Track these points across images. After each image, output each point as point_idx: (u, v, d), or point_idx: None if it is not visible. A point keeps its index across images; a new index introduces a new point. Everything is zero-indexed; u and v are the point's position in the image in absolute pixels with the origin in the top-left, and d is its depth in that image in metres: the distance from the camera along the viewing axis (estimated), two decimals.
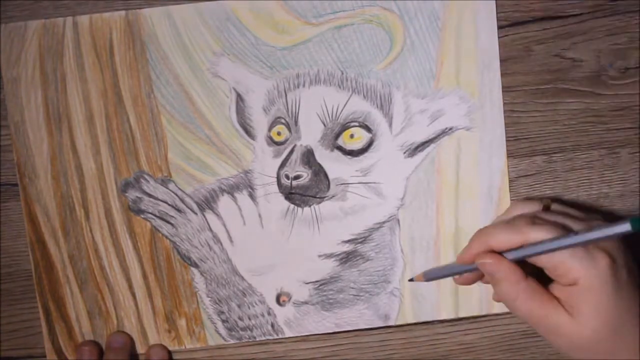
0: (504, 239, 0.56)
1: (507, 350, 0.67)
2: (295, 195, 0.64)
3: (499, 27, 0.64)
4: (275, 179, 0.64)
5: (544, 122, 0.65)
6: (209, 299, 0.65)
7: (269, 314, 0.66)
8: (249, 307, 0.66)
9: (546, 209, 0.59)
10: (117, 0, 0.64)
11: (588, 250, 0.53)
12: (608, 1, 0.64)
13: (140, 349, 0.66)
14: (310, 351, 0.67)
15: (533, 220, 0.55)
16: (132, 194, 0.65)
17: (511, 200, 0.65)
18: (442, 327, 0.66)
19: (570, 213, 0.58)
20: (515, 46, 0.64)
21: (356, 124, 0.64)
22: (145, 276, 0.65)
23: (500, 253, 0.56)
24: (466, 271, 0.59)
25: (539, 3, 0.64)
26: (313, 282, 0.65)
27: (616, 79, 0.65)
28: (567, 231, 0.54)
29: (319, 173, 0.64)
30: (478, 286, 0.64)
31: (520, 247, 0.55)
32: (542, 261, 0.55)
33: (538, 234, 0.54)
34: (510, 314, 0.65)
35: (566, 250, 0.53)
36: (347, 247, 0.65)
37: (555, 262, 0.54)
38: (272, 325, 0.66)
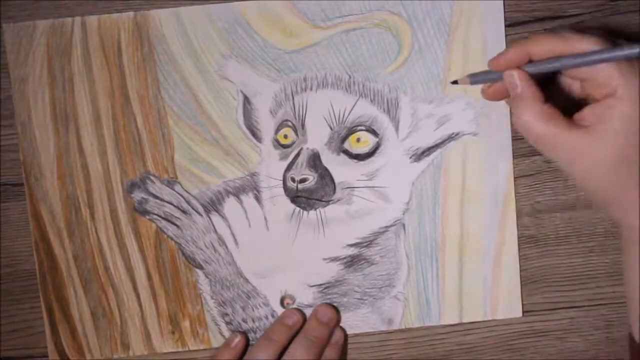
0: (545, 45, 0.53)
1: (507, 350, 0.67)
2: (301, 198, 0.64)
3: None
4: (281, 182, 0.64)
5: None
6: (213, 300, 0.65)
7: (272, 316, 0.66)
8: (253, 309, 0.66)
9: None
10: (118, 0, 0.64)
11: (632, 63, 0.51)
12: (608, 1, 0.65)
13: (144, 351, 0.66)
14: None
15: (578, 30, 0.53)
16: (138, 195, 0.64)
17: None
18: (442, 328, 0.66)
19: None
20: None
21: (363, 128, 0.64)
22: (149, 277, 0.65)
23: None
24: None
25: (539, 3, 0.64)
26: (317, 285, 0.65)
27: None
28: (613, 43, 0.52)
29: (325, 176, 0.64)
30: (482, 291, 0.65)
31: (562, 57, 0.53)
32: (581, 72, 0.53)
33: (582, 42, 0.52)
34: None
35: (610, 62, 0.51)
36: (352, 251, 0.65)
37: (596, 71, 0.52)
38: None
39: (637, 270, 0.54)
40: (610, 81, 0.51)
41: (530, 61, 0.55)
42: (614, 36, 0.62)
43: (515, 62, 0.55)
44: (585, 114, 0.53)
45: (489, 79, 0.58)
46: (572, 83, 0.57)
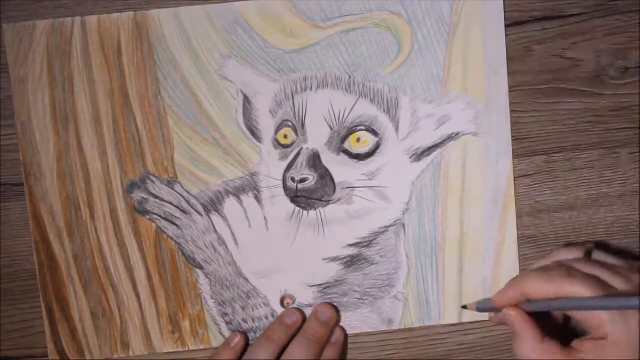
0: (538, 288, 0.56)
1: (507, 350, 0.67)
2: (301, 198, 0.64)
3: None
4: (281, 182, 0.64)
5: (544, 122, 0.65)
6: (213, 300, 0.65)
7: (272, 316, 0.66)
8: (253, 309, 0.66)
9: (588, 255, 0.60)
10: (118, 0, 0.64)
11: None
12: (608, 1, 0.65)
13: (144, 351, 0.66)
14: None
15: (569, 272, 0.56)
16: (138, 195, 0.64)
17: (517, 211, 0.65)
18: (442, 328, 0.66)
19: (610, 264, 0.58)
20: (515, 46, 0.64)
21: (363, 128, 0.64)
22: (149, 277, 0.65)
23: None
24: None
25: (539, 3, 0.64)
26: (317, 285, 0.65)
27: (616, 79, 0.65)
28: (603, 286, 0.54)
29: (325, 176, 0.64)
30: (483, 291, 0.65)
31: (554, 298, 0.56)
32: (574, 313, 0.56)
33: (572, 287, 0.54)
34: None
35: None
36: (352, 251, 0.65)
37: (587, 315, 0.54)
38: None
39: None
40: (602, 326, 0.54)
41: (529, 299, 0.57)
42: (614, 36, 0.62)
43: (515, 301, 0.58)
44: (585, 347, 0.55)
45: (494, 309, 0.60)
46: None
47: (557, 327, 0.61)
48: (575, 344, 0.56)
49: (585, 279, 0.55)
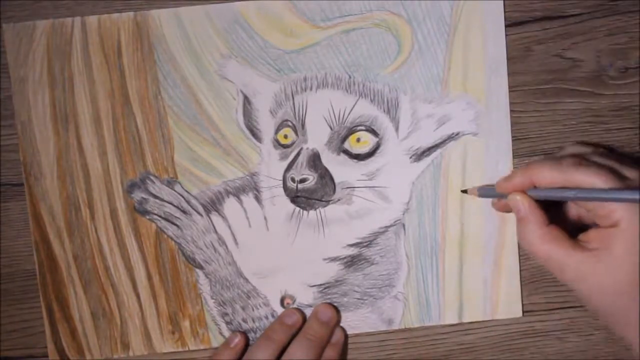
0: (548, 176, 0.55)
1: (507, 350, 0.67)
2: (301, 198, 0.64)
3: None
4: (281, 182, 0.64)
5: (544, 122, 0.65)
6: (213, 300, 0.65)
7: (272, 316, 0.66)
8: (253, 309, 0.66)
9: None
10: (118, 0, 0.64)
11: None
12: (608, 1, 0.65)
13: (144, 351, 0.66)
14: None
15: (581, 161, 0.55)
16: (138, 195, 0.64)
17: None
18: (442, 328, 0.66)
19: (624, 159, 0.57)
20: (515, 46, 0.64)
21: (363, 128, 0.64)
22: (149, 277, 0.65)
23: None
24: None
25: (539, 3, 0.64)
26: (317, 285, 0.65)
27: (616, 79, 0.65)
28: (616, 176, 0.53)
29: (325, 176, 0.64)
30: (483, 291, 0.65)
31: (563, 187, 0.54)
32: (582, 203, 0.54)
33: (584, 177, 0.53)
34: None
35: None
36: (352, 251, 0.65)
37: (596, 205, 0.53)
38: None
39: None
40: (613, 214, 0.52)
41: (535, 186, 0.56)
42: (614, 36, 0.62)
43: (520, 187, 0.57)
44: (591, 237, 0.54)
45: (496, 195, 0.59)
46: (577, 207, 0.58)
47: (565, 220, 0.59)
48: (581, 236, 0.55)
49: (598, 168, 0.54)
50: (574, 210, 0.60)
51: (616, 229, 0.52)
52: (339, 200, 0.64)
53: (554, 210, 0.57)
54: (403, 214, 0.65)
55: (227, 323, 0.66)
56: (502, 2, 0.63)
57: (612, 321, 0.55)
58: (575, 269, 0.53)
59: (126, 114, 0.64)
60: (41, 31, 0.63)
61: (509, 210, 0.59)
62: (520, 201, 0.56)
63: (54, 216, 0.64)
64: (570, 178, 0.54)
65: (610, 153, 0.60)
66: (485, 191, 0.61)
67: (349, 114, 0.64)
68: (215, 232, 0.65)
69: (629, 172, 0.54)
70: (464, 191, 0.63)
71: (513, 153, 0.65)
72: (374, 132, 0.64)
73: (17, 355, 0.66)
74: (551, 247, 0.54)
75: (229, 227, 0.65)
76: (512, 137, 0.65)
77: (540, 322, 0.67)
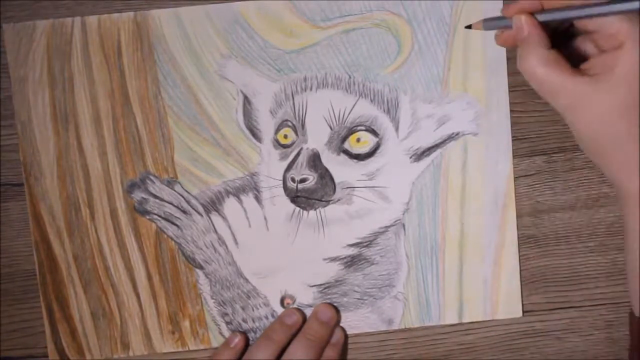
0: None
1: (507, 350, 0.67)
2: (301, 198, 0.64)
3: None
4: (281, 182, 0.64)
5: (544, 122, 0.65)
6: (213, 300, 0.65)
7: (272, 316, 0.66)
8: (253, 310, 0.66)
9: None
10: (118, 0, 0.64)
11: None
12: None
13: (144, 351, 0.66)
14: None
15: None
16: (138, 195, 0.64)
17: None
18: (442, 328, 0.66)
19: None
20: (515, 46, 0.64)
21: (363, 128, 0.64)
22: (149, 277, 0.65)
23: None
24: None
25: None
26: (317, 285, 0.65)
27: None
28: None
29: (325, 176, 0.64)
30: (483, 291, 0.65)
31: (571, 7, 0.53)
32: (591, 23, 0.53)
33: None
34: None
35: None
36: (352, 251, 0.65)
37: (605, 24, 0.52)
38: None
39: (637, 237, 0.54)
40: (619, 34, 0.51)
41: (544, 11, 0.55)
42: None
43: (528, 10, 0.55)
44: (592, 64, 0.53)
45: (502, 25, 0.57)
46: (583, 40, 0.57)
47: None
48: (583, 65, 0.54)
49: None
50: (581, 45, 0.57)
51: (620, 51, 0.51)
52: (339, 200, 0.64)
53: (561, 44, 0.56)
54: (403, 214, 0.65)
55: (227, 323, 0.66)
56: (502, 2, 0.63)
57: (603, 154, 0.54)
58: (572, 93, 0.52)
59: (126, 114, 0.64)
60: (41, 31, 0.63)
61: (510, 44, 0.57)
62: (524, 20, 0.54)
63: (54, 216, 0.64)
64: None
65: None
66: (490, 23, 0.58)
67: (349, 114, 0.64)
68: (215, 232, 0.65)
69: None
70: (468, 27, 0.60)
71: (513, 153, 0.65)
72: (374, 132, 0.64)
73: (17, 355, 0.66)
74: (549, 70, 0.53)
75: (229, 227, 0.65)
76: (512, 137, 0.65)
77: (540, 322, 0.67)
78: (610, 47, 0.52)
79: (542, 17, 0.54)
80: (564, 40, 0.57)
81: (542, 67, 0.53)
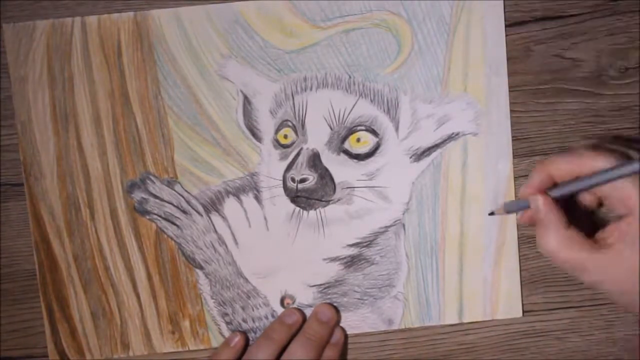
0: (563, 167, 0.55)
1: (508, 350, 0.67)
2: (301, 198, 0.64)
3: None
4: (281, 182, 0.64)
5: (544, 122, 0.65)
6: (213, 300, 0.65)
7: (272, 316, 0.66)
8: (253, 309, 0.66)
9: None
10: (118, 0, 0.64)
11: None
12: (608, 1, 0.65)
13: (144, 351, 0.66)
14: None
15: (593, 147, 0.55)
16: (138, 195, 0.64)
17: None
18: (442, 328, 0.66)
19: (632, 143, 0.57)
20: (515, 46, 0.64)
21: (363, 128, 0.64)
22: (149, 277, 0.65)
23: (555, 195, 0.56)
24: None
25: (539, 3, 0.64)
26: (317, 285, 0.65)
27: (616, 79, 0.65)
28: (628, 159, 0.53)
29: (325, 176, 0.64)
30: (483, 291, 0.65)
31: (580, 178, 0.55)
32: (601, 190, 0.55)
33: (596, 160, 0.54)
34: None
35: (628, 178, 0.53)
36: (352, 251, 0.65)
37: (615, 190, 0.54)
38: None
39: None
40: (629, 199, 0.53)
41: (556, 184, 0.57)
42: (614, 36, 0.62)
43: (540, 186, 0.57)
44: (608, 233, 0.55)
45: (522, 207, 0.59)
46: (595, 200, 0.59)
47: (585, 221, 0.59)
48: (599, 234, 0.55)
49: (610, 151, 0.54)
50: (592, 206, 0.59)
51: (632, 217, 0.53)
52: (339, 200, 0.64)
53: (573, 213, 0.57)
54: (403, 214, 0.65)
55: (227, 323, 0.66)
56: (502, 2, 0.63)
57: (636, 303, 0.55)
58: (594, 270, 0.54)
59: (126, 114, 0.64)
60: (41, 31, 0.63)
61: (534, 223, 0.59)
62: (540, 202, 0.56)
63: (54, 216, 0.64)
64: (583, 163, 0.54)
65: (625, 137, 0.61)
66: (510, 206, 0.61)
67: (349, 114, 0.64)
68: (215, 232, 0.65)
69: (637, 154, 0.54)
70: (492, 213, 0.63)
71: (513, 153, 0.65)
72: (374, 132, 0.64)
73: (17, 355, 0.66)
74: (570, 253, 0.54)
75: (229, 227, 0.65)
76: (512, 137, 0.65)
77: (540, 322, 0.67)
78: (623, 212, 0.54)
79: (554, 193, 0.56)
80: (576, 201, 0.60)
81: (563, 250, 0.55)
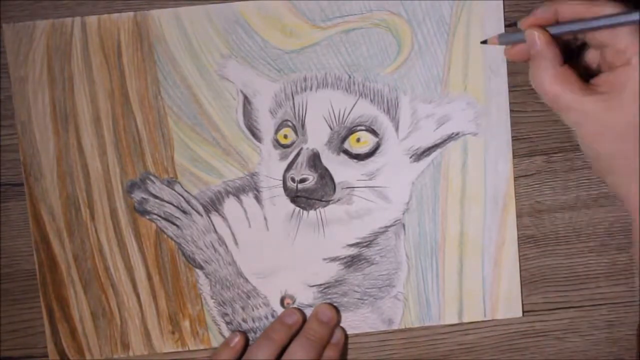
0: (572, 7, 0.54)
1: (507, 350, 0.67)
2: (301, 198, 0.64)
3: None
4: (281, 182, 0.64)
5: (544, 122, 0.65)
6: (213, 300, 0.65)
7: (272, 316, 0.66)
8: (253, 309, 0.66)
9: None
10: (118, 0, 0.64)
11: None
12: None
13: (144, 351, 0.66)
14: None
15: None
16: (138, 195, 0.64)
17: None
18: (442, 328, 0.66)
19: None
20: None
21: (363, 128, 0.64)
22: (149, 277, 0.65)
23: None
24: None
25: (539, 3, 0.64)
26: (317, 285, 0.65)
27: None
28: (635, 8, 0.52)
29: (325, 176, 0.64)
30: (483, 291, 0.65)
31: (581, 20, 0.54)
32: (601, 36, 0.53)
33: (607, 7, 0.52)
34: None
35: (627, 27, 0.52)
36: (352, 251, 0.65)
37: (615, 39, 0.52)
38: None
39: None
40: (627, 49, 0.52)
41: (557, 23, 0.55)
42: None
43: (543, 22, 0.55)
44: (602, 80, 0.54)
45: (518, 40, 0.57)
46: (594, 54, 0.57)
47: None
48: (593, 80, 0.54)
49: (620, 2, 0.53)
50: (593, 59, 0.58)
51: (628, 68, 0.52)
52: (339, 200, 0.64)
53: (573, 59, 0.57)
54: (403, 214, 0.65)
55: (227, 323, 0.66)
56: (502, 2, 0.63)
57: (611, 171, 0.54)
58: (582, 111, 0.53)
59: (126, 114, 0.64)
60: (41, 31, 0.63)
61: (520, 58, 0.58)
62: (537, 35, 0.54)
63: (54, 216, 0.64)
64: (594, 7, 0.53)
65: None
66: (506, 37, 0.59)
67: (349, 114, 0.64)
68: (215, 232, 0.65)
69: None
70: (484, 42, 0.61)
71: (513, 153, 0.65)
72: (374, 132, 0.64)
73: (17, 355, 0.66)
74: (561, 88, 0.53)
75: (229, 227, 0.65)
76: (512, 137, 0.65)
77: (540, 322, 0.67)
78: (619, 63, 0.53)
79: (554, 30, 0.55)
80: (576, 54, 0.58)
81: (554, 85, 0.54)
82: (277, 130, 0.64)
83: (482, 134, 0.64)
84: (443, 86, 0.64)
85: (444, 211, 0.65)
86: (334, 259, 0.65)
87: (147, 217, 0.65)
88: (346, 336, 0.66)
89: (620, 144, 0.53)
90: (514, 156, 0.65)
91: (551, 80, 0.54)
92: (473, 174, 0.64)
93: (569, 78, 0.54)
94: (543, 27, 0.55)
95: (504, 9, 0.63)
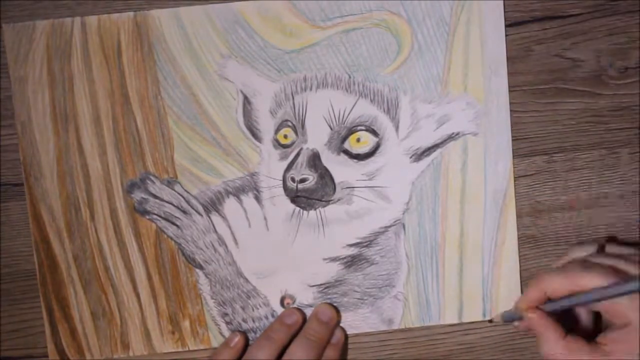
0: (556, 286, 0.57)
1: (507, 350, 0.67)
2: (301, 198, 0.64)
3: None
4: (281, 182, 0.64)
5: (544, 122, 0.65)
6: (213, 300, 0.65)
7: (272, 316, 0.66)
8: (253, 309, 0.66)
9: (601, 249, 0.61)
10: (118, 0, 0.64)
11: None
12: (608, 1, 0.65)
13: (144, 351, 0.66)
14: None
15: (584, 265, 0.57)
16: (138, 195, 0.64)
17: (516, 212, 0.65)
18: (442, 328, 0.66)
19: (624, 254, 0.59)
20: (515, 46, 0.64)
21: (363, 127, 0.64)
22: (149, 277, 0.65)
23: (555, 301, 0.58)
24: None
25: (539, 3, 0.64)
26: (317, 285, 0.65)
27: (616, 79, 0.65)
28: (620, 274, 0.55)
29: (325, 176, 0.64)
30: (483, 291, 0.65)
31: (574, 294, 0.56)
32: (595, 305, 0.56)
33: (589, 280, 0.55)
34: None
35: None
36: (352, 251, 0.65)
37: (609, 307, 0.55)
38: None
39: None
40: (627, 313, 0.54)
41: (550, 299, 0.58)
42: (614, 36, 0.62)
43: (536, 302, 0.59)
44: (607, 339, 0.56)
45: (519, 318, 0.60)
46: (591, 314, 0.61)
47: (585, 326, 0.61)
48: (599, 338, 0.56)
49: (601, 269, 0.56)
50: (590, 313, 0.61)
51: (631, 328, 0.54)
52: (339, 200, 0.64)
53: (571, 319, 0.60)
54: (403, 214, 0.65)
55: (227, 323, 0.66)
56: (502, 2, 0.63)
57: None
58: None
59: (126, 114, 0.64)
60: (41, 31, 0.63)
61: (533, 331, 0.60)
62: (534, 319, 0.58)
63: (54, 216, 0.64)
64: (577, 283, 0.56)
65: (611, 249, 0.61)
66: (508, 316, 0.62)
67: (349, 114, 0.64)
68: (215, 232, 0.65)
69: (632, 268, 0.56)
70: (490, 321, 0.65)
71: (513, 153, 0.65)
72: (374, 132, 0.64)
73: (17, 355, 0.66)
74: (568, 356, 0.56)
75: (229, 227, 0.65)
76: (512, 137, 0.65)
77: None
78: (620, 324, 0.55)
79: (549, 307, 0.58)
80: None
81: (560, 357, 0.56)
82: (277, 130, 0.64)
83: (482, 134, 0.64)
84: (443, 86, 0.64)
85: (444, 211, 0.65)
86: (334, 259, 0.65)
87: (147, 217, 0.65)
88: (346, 336, 0.66)
89: None
90: (514, 156, 0.65)
91: (559, 353, 0.56)
92: (473, 174, 0.64)
93: (575, 346, 0.56)
94: (538, 307, 0.58)
95: (504, 9, 0.63)
